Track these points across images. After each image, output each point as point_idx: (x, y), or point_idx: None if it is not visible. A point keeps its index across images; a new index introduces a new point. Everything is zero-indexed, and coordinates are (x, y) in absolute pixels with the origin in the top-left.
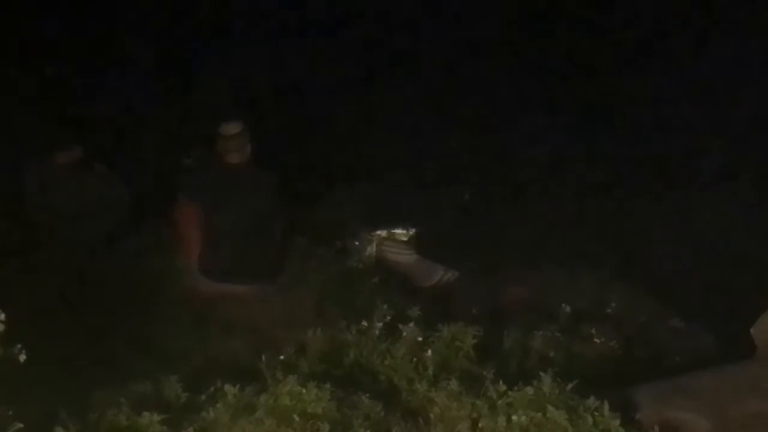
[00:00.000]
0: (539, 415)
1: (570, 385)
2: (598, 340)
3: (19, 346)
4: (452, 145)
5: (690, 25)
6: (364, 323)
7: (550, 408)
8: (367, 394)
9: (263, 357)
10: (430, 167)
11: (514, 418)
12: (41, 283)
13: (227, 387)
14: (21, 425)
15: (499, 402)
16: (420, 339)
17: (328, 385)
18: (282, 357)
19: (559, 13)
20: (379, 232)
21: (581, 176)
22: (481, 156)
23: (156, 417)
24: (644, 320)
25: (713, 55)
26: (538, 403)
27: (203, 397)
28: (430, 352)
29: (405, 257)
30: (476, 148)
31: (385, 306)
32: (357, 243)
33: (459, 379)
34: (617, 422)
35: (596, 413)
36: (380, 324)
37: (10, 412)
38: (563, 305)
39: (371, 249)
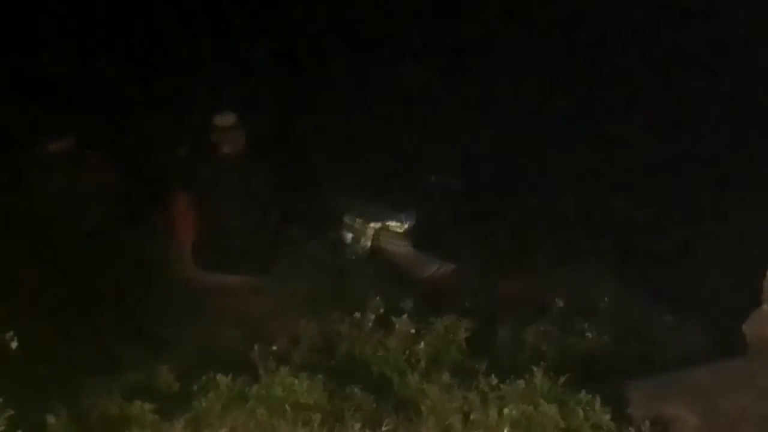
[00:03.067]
0: (531, 408)
1: (562, 379)
2: (590, 335)
3: (11, 333)
4: (446, 137)
5: None
6: (357, 315)
7: (542, 402)
8: (359, 386)
9: (256, 347)
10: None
11: (505, 411)
12: (34, 272)
13: (219, 377)
14: (12, 412)
15: (491, 395)
16: (413, 331)
17: (320, 377)
18: (275, 348)
19: None
20: (373, 224)
21: (576, 169)
22: (474, 149)
23: (148, 406)
24: (637, 315)
25: None
26: (529, 396)
27: (195, 386)
28: (422, 344)
29: (402, 248)
30: (470, 139)
31: (378, 298)
32: (351, 234)
33: (451, 371)
34: (608, 417)
35: (588, 407)
36: (373, 316)
37: (1, 400)
38: (556, 300)
39: (367, 240)
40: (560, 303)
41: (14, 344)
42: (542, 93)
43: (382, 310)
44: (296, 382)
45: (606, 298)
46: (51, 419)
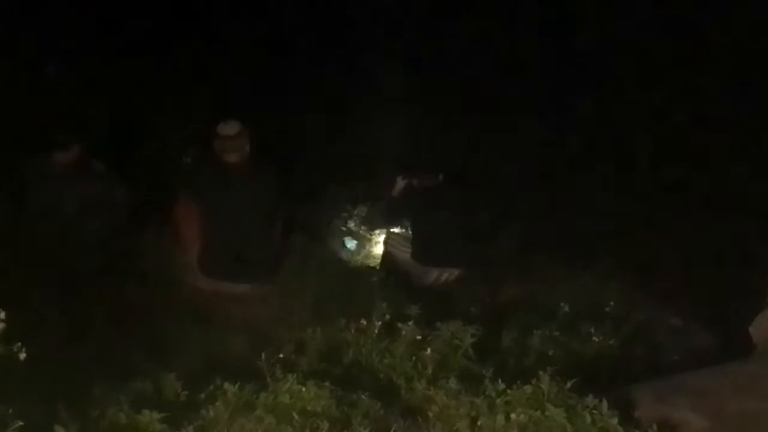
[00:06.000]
0: (538, 413)
1: (569, 384)
2: (596, 339)
3: (19, 344)
4: (448, 142)
5: None
6: (364, 322)
7: (549, 406)
8: (367, 393)
9: (263, 355)
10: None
11: (512, 416)
12: (40, 282)
13: (227, 385)
14: (21, 423)
15: (498, 400)
16: (419, 337)
17: (327, 384)
18: (281, 355)
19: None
20: (378, 232)
21: (579, 172)
22: (476, 152)
23: (156, 415)
24: (643, 319)
25: None
26: (536, 401)
27: (203, 395)
28: (429, 350)
29: (409, 255)
30: (471, 145)
31: (385, 305)
32: (356, 241)
33: (458, 377)
34: (615, 420)
35: (595, 411)
36: (379, 323)
37: (10, 411)
38: (562, 304)
39: (372, 246)
40: (566, 307)
41: (22, 355)
42: (541, 91)
43: (388, 317)
44: (303, 389)
45: (612, 302)
46: (59, 429)
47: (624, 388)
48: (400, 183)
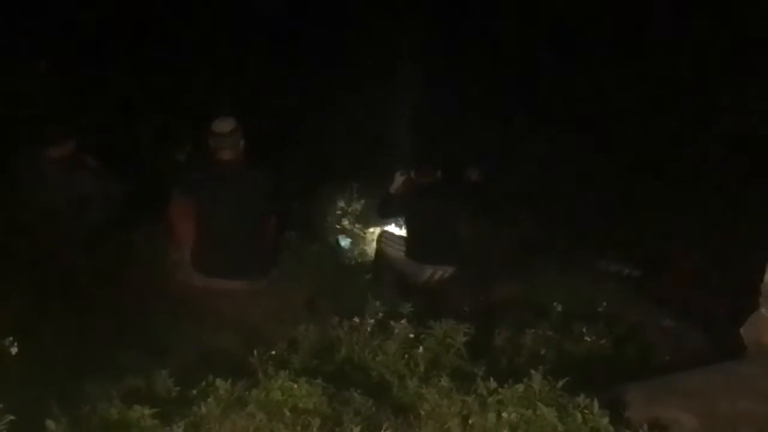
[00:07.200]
0: (529, 412)
1: (560, 383)
2: (589, 339)
3: (11, 338)
4: (444, 144)
5: None
6: (356, 319)
7: (540, 405)
8: (358, 390)
9: (255, 352)
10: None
11: (504, 415)
12: (32, 277)
13: (219, 381)
14: (12, 417)
15: (490, 399)
16: (412, 336)
17: (319, 381)
18: (273, 352)
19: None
20: (372, 230)
21: (575, 171)
22: (477, 153)
23: (147, 411)
24: (635, 319)
25: None
26: (528, 400)
27: (194, 391)
28: (421, 348)
29: (401, 252)
30: (471, 146)
31: (377, 302)
32: (350, 239)
33: (450, 375)
34: (606, 420)
35: (586, 411)
36: (372, 320)
37: (1, 405)
38: (555, 303)
39: (366, 244)
40: (559, 307)
41: (14, 350)
42: (542, 93)
43: (381, 315)
44: (295, 386)
45: (604, 302)
46: (51, 424)
47: (616, 388)
48: (398, 179)
